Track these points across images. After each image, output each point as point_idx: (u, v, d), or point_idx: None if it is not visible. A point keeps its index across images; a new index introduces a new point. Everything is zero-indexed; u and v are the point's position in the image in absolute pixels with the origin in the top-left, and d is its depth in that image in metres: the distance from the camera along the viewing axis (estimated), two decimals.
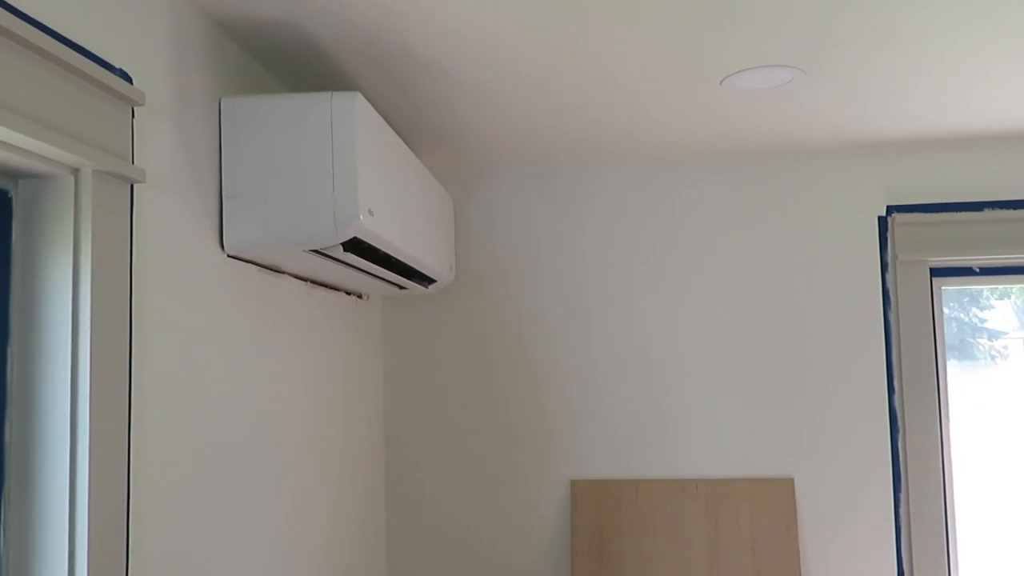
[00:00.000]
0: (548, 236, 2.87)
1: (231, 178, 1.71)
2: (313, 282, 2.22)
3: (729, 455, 2.76)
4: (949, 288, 2.84)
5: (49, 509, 1.21)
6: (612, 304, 2.84)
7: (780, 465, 2.74)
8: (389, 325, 2.90)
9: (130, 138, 1.37)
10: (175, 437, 1.53)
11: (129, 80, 1.41)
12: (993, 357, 2.80)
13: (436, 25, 1.76)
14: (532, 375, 2.84)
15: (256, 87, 1.94)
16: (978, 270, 2.78)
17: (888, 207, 2.76)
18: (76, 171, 1.26)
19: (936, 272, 2.77)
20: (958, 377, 2.82)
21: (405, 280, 2.32)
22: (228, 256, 1.75)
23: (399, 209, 2.01)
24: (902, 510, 2.67)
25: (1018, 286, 2.82)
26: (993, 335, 2.82)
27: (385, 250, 1.96)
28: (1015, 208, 2.70)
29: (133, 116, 1.39)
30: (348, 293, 2.52)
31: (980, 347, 2.76)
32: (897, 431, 2.70)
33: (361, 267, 2.01)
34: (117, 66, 1.38)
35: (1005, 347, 2.86)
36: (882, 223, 2.76)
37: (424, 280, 2.48)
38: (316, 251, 1.78)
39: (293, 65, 1.97)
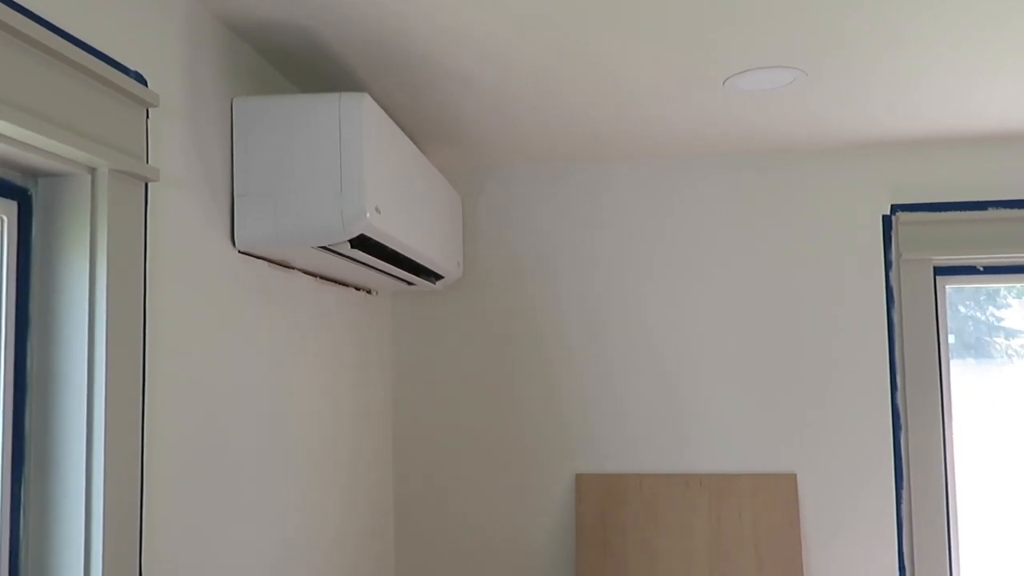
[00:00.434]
0: (555, 233, 2.91)
1: (242, 176, 1.77)
2: (323, 278, 2.27)
3: (732, 450, 2.79)
4: (966, 287, 2.86)
5: (67, 493, 1.27)
6: (618, 300, 2.87)
7: (783, 461, 2.77)
8: (398, 320, 2.95)
9: (144, 138, 1.43)
10: (186, 428, 1.58)
11: (144, 82, 1.46)
12: (1010, 356, 2.82)
13: (442, 27, 1.80)
14: (539, 370, 2.88)
15: (267, 88, 1.99)
16: (982, 269, 2.79)
17: (892, 206, 2.78)
18: (93, 170, 1.32)
19: (940, 271, 2.79)
20: (974, 376, 2.84)
21: (413, 276, 2.37)
22: (239, 252, 1.80)
23: (406, 206, 2.06)
24: (904, 506, 2.70)
25: None
26: (1010, 334, 2.84)
27: (392, 247, 2.01)
28: (1019, 207, 2.71)
29: (147, 117, 1.45)
30: (357, 289, 2.58)
31: (997, 346, 2.78)
32: (899, 428, 2.72)
33: (369, 263, 2.06)
34: (132, 69, 1.44)
35: (1022, 346, 2.88)
36: (886, 222, 2.78)
37: (432, 276, 2.52)
38: (324, 247, 1.83)
39: (303, 66, 2.02)
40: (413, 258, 2.20)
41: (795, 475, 2.75)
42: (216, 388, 1.69)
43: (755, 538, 2.70)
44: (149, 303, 1.46)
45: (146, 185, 1.44)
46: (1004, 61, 2.04)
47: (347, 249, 1.84)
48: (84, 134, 1.26)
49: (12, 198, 1.28)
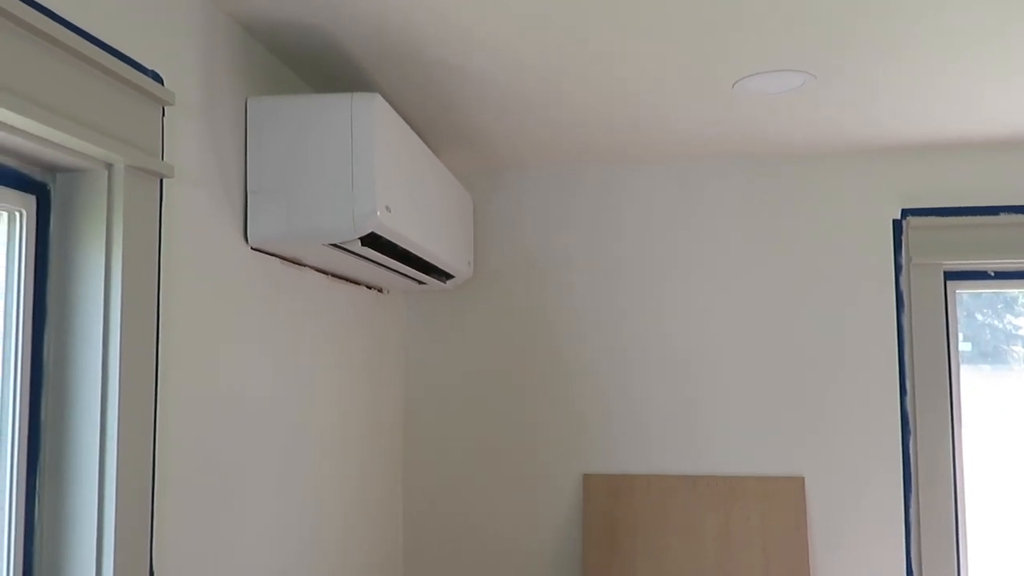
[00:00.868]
0: (565, 234, 2.93)
1: (255, 174, 1.80)
2: (334, 276, 2.30)
3: (741, 452, 2.80)
4: (983, 294, 2.85)
5: (80, 481, 1.30)
6: (627, 302, 2.89)
7: (791, 463, 2.78)
8: (409, 319, 2.98)
9: (160, 135, 1.46)
10: (197, 420, 1.61)
11: (160, 81, 1.49)
12: None
13: (454, 29, 1.82)
14: (547, 370, 2.90)
15: (281, 87, 2.02)
16: (993, 274, 2.79)
17: (903, 210, 2.78)
18: (110, 166, 1.35)
19: (950, 275, 2.79)
20: (991, 383, 2.84)
21: (423, 275, 2.39)
22: (252, 249, 1.83)
23: (417, 206, 2.08)
24: (912, 511, 2.70)
25: None
26: None
27: (403, 245, 2.03)
28: None
29: (163, 115, 1.48)
30: (369, 287, 2.60)
31: (1014, 354, 2.78)
32: (908, 433, 2.72)
33: (380, 261, 2.09)
34: (149, 68, 1.47)
35: None
36: (896, 226, 2.78)
37: (442, 275, 2.55)
38: (336, 245, 1.85)
39: (316, 67, 2.05)
40: (423, 257, 2.22)
41: (803, 478, 2.75)
42: (227, 383, 1.72)
43: (763, 540, 2.71)
44: (163, 297, 1.49)
45: (161, 181, 1.47)
46: (1016, 65, 2.04)
47: (358, 247, 1.87)
48: (102, 131, 1.29)
49: (31, 193, 1.32)
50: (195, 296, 1.60)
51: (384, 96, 2.23)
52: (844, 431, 2.76)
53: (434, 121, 2.45)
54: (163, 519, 1.48)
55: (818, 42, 1.90)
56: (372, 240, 1.89)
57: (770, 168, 2.86)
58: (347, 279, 2.40)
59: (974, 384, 2.82)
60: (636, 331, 2.87)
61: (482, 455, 2.91)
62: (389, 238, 1.92)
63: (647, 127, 2.52)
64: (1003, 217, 2.71)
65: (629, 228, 2.91)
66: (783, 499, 2.74)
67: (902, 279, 2.76)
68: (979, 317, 2.89)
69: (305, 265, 2.10)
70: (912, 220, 2.75)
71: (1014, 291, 2.87)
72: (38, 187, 1.33)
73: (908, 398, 2.73)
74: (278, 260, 1.97)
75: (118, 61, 1.33)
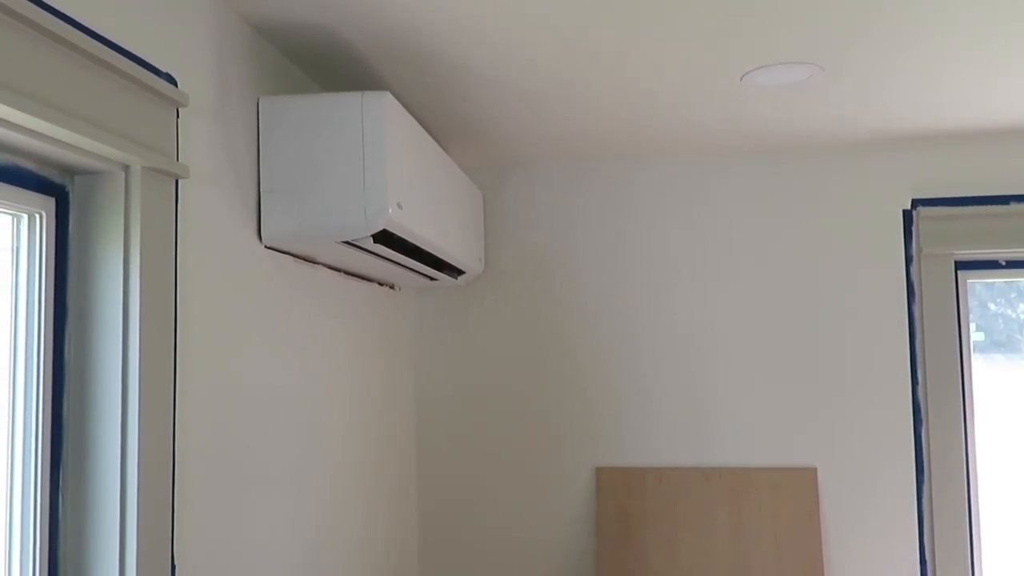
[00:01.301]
0: (576, 229, 2.94)
1: (268, 173, 1.82)
2: (347, 273, 2.32)
3: (753, 444, 2.81)
4: (996, 283, 2.85)
5: (102, 477, 1.33)
6: (638, 296, 2.90)
7: (803, 455, 2.79)
8: (420, 315, 3.00)
9: (175, 136, 1.48)
10: (214, 417, 1.64)
11: (174, 83, 1.52)
12: None
13: (462, 27, 1.84)
14: (559, 365, 2.91)
15: (290, 87, 2.04)
16: (1004, 263, 2.79)
17: (913, 200, 2.78)
18: (127, 168, 1.37)
19: (961, 265, 2.78)
20: (1004, 373, 2.83)
21: (434, 271, 2.41)
22: (265, 247, 1.86)
23: (428, 202, 2.10)
24: (925, 500, 2.70)
25: None
26: None
27: (414, 242, 2.05)
28: None
29: (178, 116, 1.50)
30: (380, 284, 2.63)
31: None
32: (920, 422, 2.72)
33: (391, 258, 2.11)
34: (164, 70, 1.49)
35: None
36: (907, 216, 2.78)
37: (453, 271, 2.57)
38: (348, 242, 1.87)
39: (327, 66, 2.07)
40: (434, 253, 2.24)
41: (815, 469, 2.76)
42: (243, 379, 1.75)
43: (775, 532, 2.72)
44: (179, 296, 1.51)
45: (176, 182, 1.49)
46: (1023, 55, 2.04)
47: (370, 244, 1.89)
48: (119, 133, 1.32)
49: (50, 195, 1.34)
50: (210, 295, 1.63)
51: (393, 93, 2.25)
52: (856, 421, 2.76)
53: (443, 117, 2.47)
54: (183, 514, 1.51)
55: (826, 34, 1.91)
56: (384, 237, 1.91)
57: (779, 160, 2.86)
58: (359, 276, 2.42)
59: (987, 374, 2.82)
60: (647, 324, 2.89)
61: (494, 449, 2.93)
62: (401, 235, 1.94)
63: (656, 121, 2.53)
64: (1013, 206, 2.71)
65: (639, 222, 2.92)
66: (795, 490, 2.75)
67: (913, 269, 2.76)
68: (992, 307, 2.89)
69: (318, 263, 2.12)
70: (922, 210, 2.75)
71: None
72: (57, 189, 1.36)
73: (920, 388, 2.73)
74: (291, 258, 1.99)
75: (133, 64, 1.35)
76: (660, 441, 2.85)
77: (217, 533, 1.63)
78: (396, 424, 2.75)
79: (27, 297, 1.31)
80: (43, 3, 1.21)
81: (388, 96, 1.82)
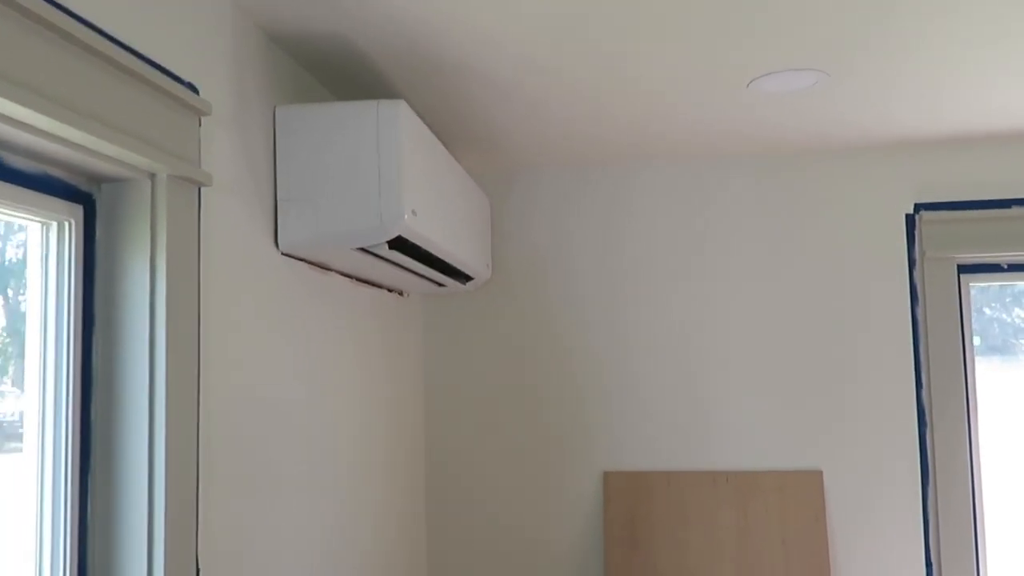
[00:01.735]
0: (582, 234, 2.97)
1: (285, 181, 1.84)
2: (358, 279, 2.34)
3: (759, 447, 2.83)
4: (992, 288, 2.88)
5: (130, 481, 1.34)
6: (645, 300, 2.92)
7: (809, 457, 2.81)
8: (428, 321, 3.02)
9: (197, 145, 1.50)
10: (234, 419, 1.65)
11: (196, 91, 1.54)
12: None
13: (473, 35, 1.87)
14: (566, 370, 2.93)
15: (307, 96, 2.07)
16: (1006, 267, 2.82)
17: (916, 205, 2.81)
18: (152, 175, 1.39)
19: (964, 269, 2.81)
20: (1001, 377, 2.86)
21: (445, 277, 2.44)
22: (282, 254, 1.88)
23: (440, 209, 2.13)
24: (930, 502, 2.72)
25: None
26: None
27: (427, 248, 2.07)
28: None
29: (200, 125, 1.52)
30: (390, 290, 2.65)
31: (1023, 347, 2.81)
32: (925, 425, 2.75)
33: (405, 264, 2.13)
34: (186, 80, 1.51)
35: None
36: (910, 221, 2.81)
37: (462, 278, 2.59)
38: (363, 249, 1.90)
39: (342, 75, 2.10)
40: (446, 259, 2.26)
41: (821, 472, 2.78)
42: (261, 384, 1.77)
43: (782, 534, 2.74)
44: (202, 302, 1.53)
45: (199, 189, 1.51)
46: None
47: (385, 251, 1.91)
48: (145, 141, 1.34)
49: (78, 203, 1.36)
50: (231, 302, 1.65)
51: (406, 102, 2.27)
52: (861, 424, 2.79)
53: (450, 123, 2.49)
54: (206, 517, 1.52)
55: (831, 41, 1.94)
56: (399, 244, 1.93)
57: (784, 165, 2.89)
58: (370, 283, 2.44)
59: (985, 377, 2.84)
60: (653, 329, 2.91)
61: (503, 454, 2.95)
62: (415, 241, 1.97)
63: (663, 127, 2.56)
64: (1015, 210, 2.74)
65: (645, 226, 2.94)
66: (801, 493, 2.77)
67: (916, 273, 2.79)
68: (987, 311, 2.92)
69: (331, 270, 2.14)
70: (925, 214, 2.78)
71: (1023, 284, 2.90)
72: (84, 197, 1.38)
73: (924, 391, 2.76)
74: (306, 265, 2.01)
75: (158, 73, 1.37)
76: (667, 445, 2.87)
77: (237, 535, 1.64)
78: (405, 429, 2.76)
79: (56, 303, 1.33)
80: (72, 12, 1.23)
81: (403, 104, 1.84)
